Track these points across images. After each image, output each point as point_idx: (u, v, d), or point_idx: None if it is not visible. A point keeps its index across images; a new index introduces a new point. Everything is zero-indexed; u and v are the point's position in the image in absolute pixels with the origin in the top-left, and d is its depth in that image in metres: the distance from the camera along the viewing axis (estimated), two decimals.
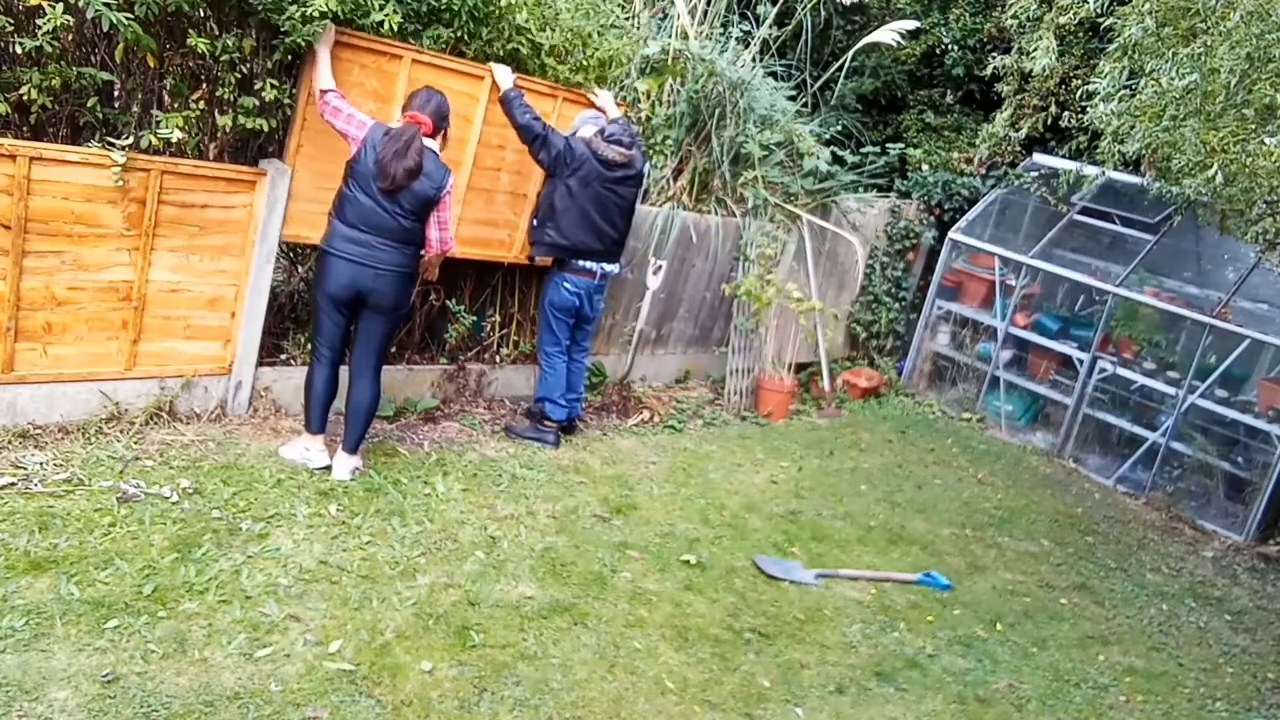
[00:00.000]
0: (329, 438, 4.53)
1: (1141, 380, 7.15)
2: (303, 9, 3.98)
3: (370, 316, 4.32)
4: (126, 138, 3.95)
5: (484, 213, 5.30)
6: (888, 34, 7.38)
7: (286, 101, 4.31)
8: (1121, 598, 5.24)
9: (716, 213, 6.77)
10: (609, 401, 6.26)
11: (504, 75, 4.86)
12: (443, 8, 4.58)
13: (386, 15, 4.28)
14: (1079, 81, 7.08)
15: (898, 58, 9.45)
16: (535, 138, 4.93)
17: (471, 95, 4.89)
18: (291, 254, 5.29)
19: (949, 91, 9.57)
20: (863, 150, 7.94)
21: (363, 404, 4.40)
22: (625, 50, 5.66)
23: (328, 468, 4.40)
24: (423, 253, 4.40)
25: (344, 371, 4.47)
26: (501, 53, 4.94)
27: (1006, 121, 7.93)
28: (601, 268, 5.37)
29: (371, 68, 4.48)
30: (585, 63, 5.36)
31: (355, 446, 4.44)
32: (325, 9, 3.98)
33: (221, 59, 4.08)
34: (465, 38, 4.73)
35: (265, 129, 4.28)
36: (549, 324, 5.41)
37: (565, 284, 5.30)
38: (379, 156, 4.09)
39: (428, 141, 4.21)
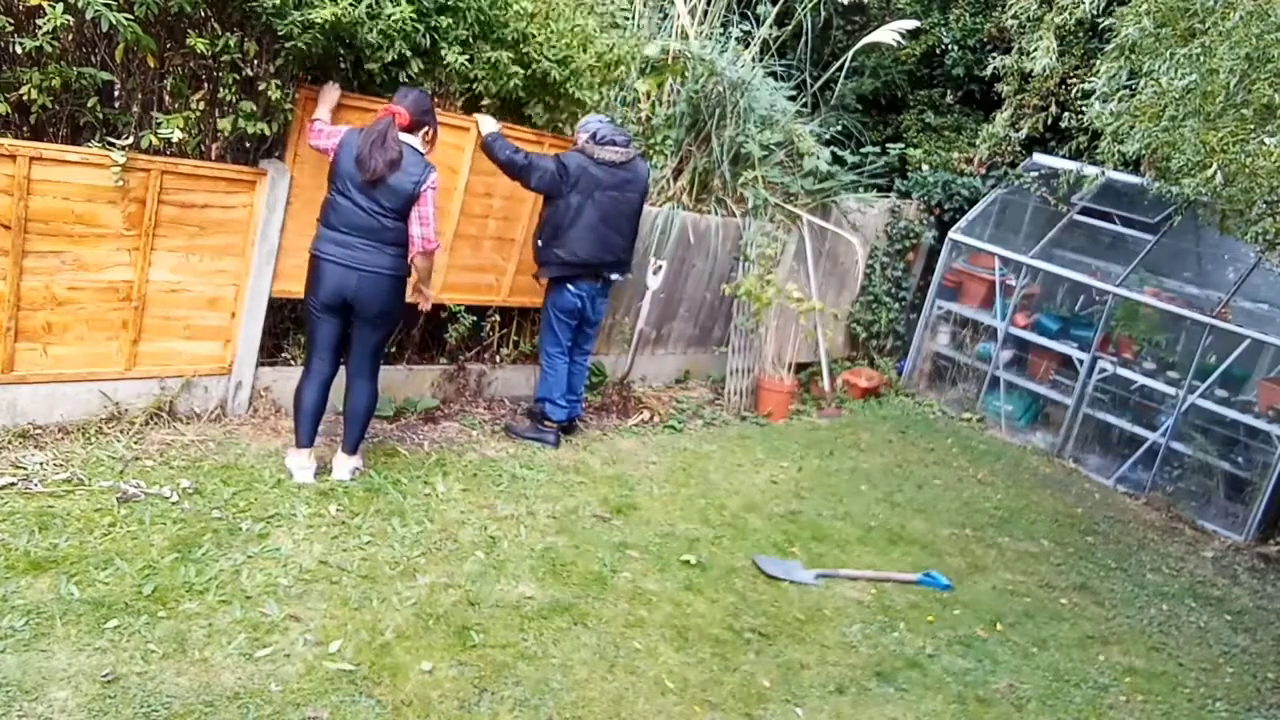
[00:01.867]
0: (328, 439, 4.53)
1: (1141, 380, 7.15)
2: (305, 15, 3.98)
3: (360, 323, 4.27)
4: (126, 138, 3.95)
5: (472, 259, 5.35)
6: (888, 34, 7.38)
7: (288, 106, 4.30)
8: (1121, 598, 5.24)
9: (716, 213, 6.77)
10: (609, 401, 6.26)
11: (488, 124, 4.88)
12: (450, 6, 4.56)
13: (400, 9, 4.26)
14: (1079, 81, 7.09)
15: (898, 58, 9.46)
16: (520, 169, 4.92)
17: (458, 146, 4.95)
18: None
19: (949, 91, 9.57)
20: (863, 150, 7.94)
21: (360, 406, 4.39)
22: (629, 51, 5.64)
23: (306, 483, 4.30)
24: (410, 255, 4.27)
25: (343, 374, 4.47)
26: (510, 76, 4.88)
27: (1006, 122, 7.94)
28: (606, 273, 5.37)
29: (356, 125, 4.47)
30: (590, 64, 5.32)
31: (354, 447, 4.44)
32: (327, 16, 3.98)
33: (223, 59, 4.08)
34: (471, 40, 4.71)
35: (266, 134, 4.28)
36: (551, 325, 5.38)
37: (568, 286, 5.29)
38: (358, 152, 4.06)
39: (406, 136, 4.14)
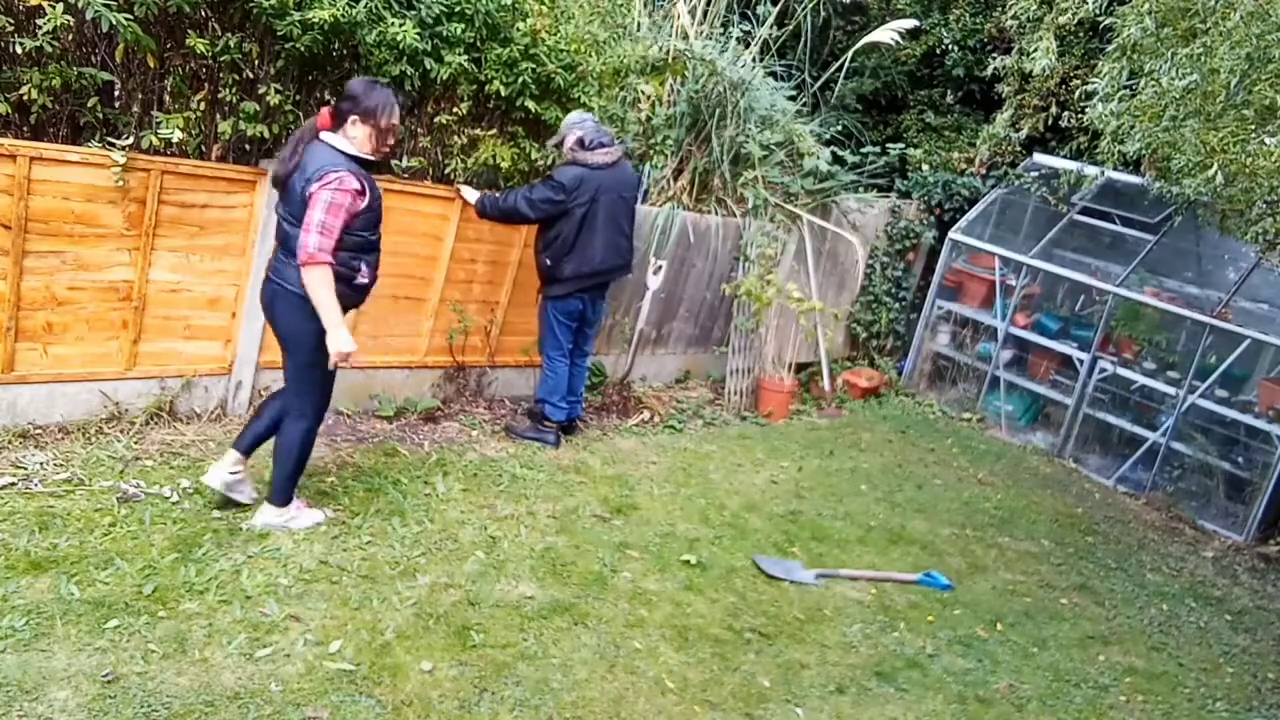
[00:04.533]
0: (326, 438, 4.49)
1: (1141, 380, 7.15)
2: (304, 15, 3.98)
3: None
4: (127, 138, 3.95)
5: (459, 323, 5.39)
6: (886, 33, 7.38)
7: (289, 109, 4.31)
8: (1122, 598, 5.24)
9: (716, 213, 6.77)
10: (609, 401, 6.25)
11: (470, 193, 4.98)
12: (456, 11, 4.56)
13: (405, 30, 4.27)
14: (1079, 81, 7.10)
15: (898, 58, 9.46)
16: (516, 211, 4.95)
17: (443, 216, 5.05)
18: None
19: (949, 92, 9.58)
20: (863, 150, 7.94)
21: (277, 442, 3.85)
22: (637, 61, 5.66)
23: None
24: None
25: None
26: (515, 81, 4.88)
27: (1007, 122, 7.95)
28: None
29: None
30: (598, 69, 5.31)
31: (273, 495, 3.87)
32: (325, 17, 3.98)
33: (223, 60, 4.08)
34: (478, 42, 4.71)
35: (266, 136, 4.28)
36: (553, 328, 5.32)
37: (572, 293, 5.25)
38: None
39: (327, 135, 3.64)
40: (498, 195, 4.99)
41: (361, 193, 3.59)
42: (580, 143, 5.00)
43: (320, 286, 3.55)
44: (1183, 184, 5.52)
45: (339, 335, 3.59)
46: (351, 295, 3.75)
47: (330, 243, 3.53)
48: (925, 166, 8.62)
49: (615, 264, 5.27)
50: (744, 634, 4.01)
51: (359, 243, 3.68)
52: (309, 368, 3.78)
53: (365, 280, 3.77)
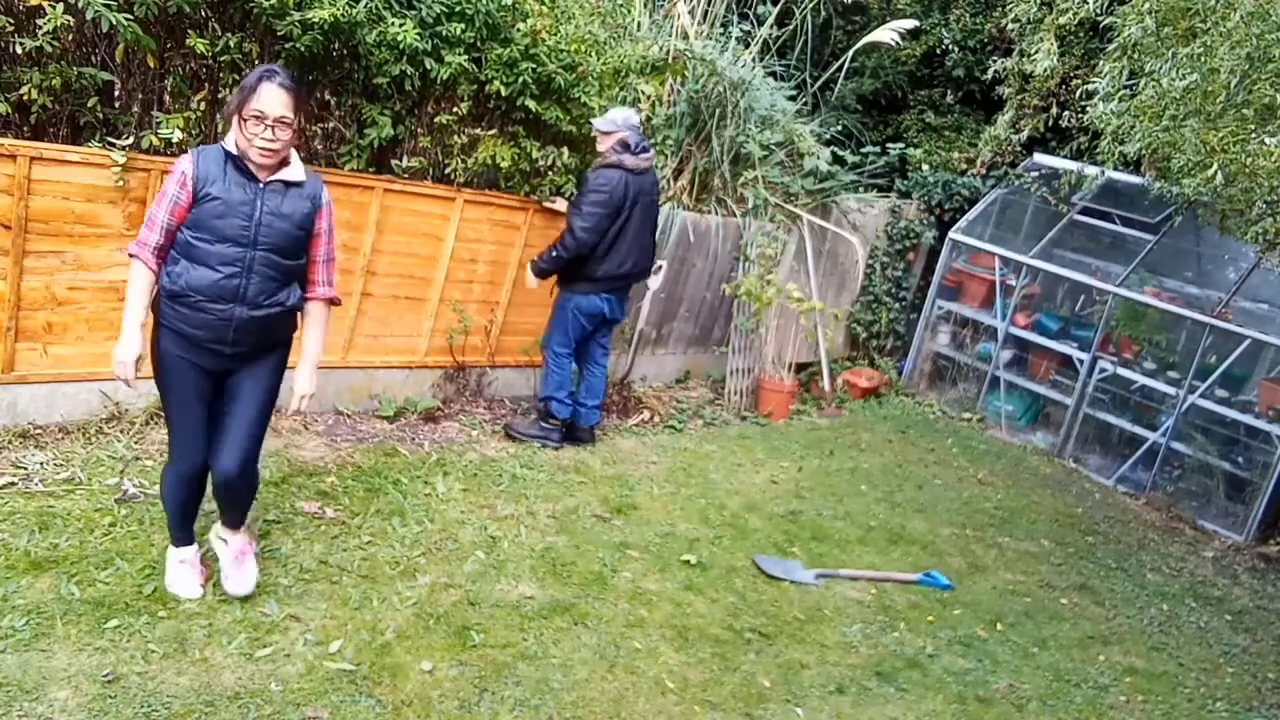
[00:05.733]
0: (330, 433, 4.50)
1: (1142, 380, 7.15)
2: (304, 15, 3.98)
3: None
4: (127, 138, 3.95)
5: (459, 323, 5.39)
6: (886, 33, 7.39)
7: None
8: (1122, 598, 5.24)
9: (716, 213, 6.77)
10: (609, 401, 6.25)
11: (531, 279, 5.21)
12: (456, 11, 4.56)
13: (405, 30, 4.27)
14: (1079, 81, 7.10)
15: (898, 58, 9.46)
16: (575, 244, 4.99)
17: (444, 216, 5.05)
18: None
19: (949, 92, 9.58)
20: (863, 150, 7.95)
21: None
22: (634, 57, 5.67)
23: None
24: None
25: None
26: (514, 81, 4.86)
27: (1008, 124, 7.95)
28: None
29: (343, 200, 4.49)
30: (599, 70, 5.31)
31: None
32: (325, 17, 3.98)
33: (222, 59, 4.08)
34: (478, 42, 4.71)
35: None
36: (566, 325, 5.26)
37: (599, 292, 5.24)
38: None
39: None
40: (543, 252, 5.08)
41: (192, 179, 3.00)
42: (624, 145, 5.02)
43: (130, 280, 3.04)
44: (1183, 184, 5.52)
45: (120, 342, 3.05)
46: (172, 314, 3.07)
47: (150, 235, 3.02)
48: (925, 166, 8.62)
49: (644, 266, 5.35)
50: (744, 634, 4.01)
51: (183, 244, 3.03)
52: (160, 394, 3.24)
53: (167, 284, 3.04)
